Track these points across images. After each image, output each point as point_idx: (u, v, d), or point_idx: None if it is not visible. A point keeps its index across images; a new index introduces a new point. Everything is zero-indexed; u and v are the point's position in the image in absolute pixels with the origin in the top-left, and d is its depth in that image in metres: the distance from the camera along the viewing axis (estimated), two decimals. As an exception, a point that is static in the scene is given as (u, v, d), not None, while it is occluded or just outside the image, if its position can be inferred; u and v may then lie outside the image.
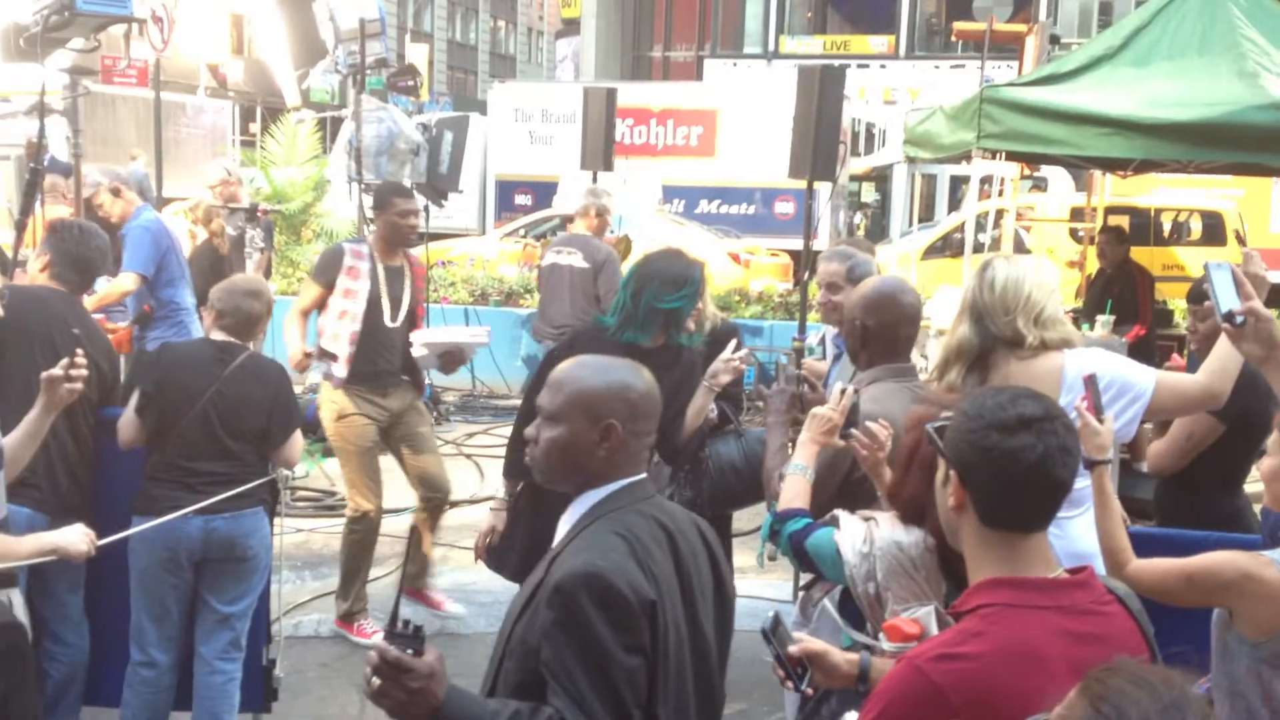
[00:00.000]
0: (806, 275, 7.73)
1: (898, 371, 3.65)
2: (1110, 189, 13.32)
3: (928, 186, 29.35)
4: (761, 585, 6.28)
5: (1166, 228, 16.40)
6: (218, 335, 4.37)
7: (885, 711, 1.93)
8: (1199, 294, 3.92)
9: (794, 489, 3.12)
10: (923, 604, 2.56)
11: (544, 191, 18.84)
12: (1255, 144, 6.59)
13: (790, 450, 3.82)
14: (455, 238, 17.81)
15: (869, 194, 29.80)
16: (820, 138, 6.86)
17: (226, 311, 4.39)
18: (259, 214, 7.31)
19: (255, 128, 31.61)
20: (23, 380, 3.94)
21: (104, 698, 4.53)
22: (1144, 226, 15.45)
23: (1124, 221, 14.49)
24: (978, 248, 17.35)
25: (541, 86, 25.43)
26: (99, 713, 4.67)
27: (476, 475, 8.71)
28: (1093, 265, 12.91)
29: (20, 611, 3.47)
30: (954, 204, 25.58)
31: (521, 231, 17.92)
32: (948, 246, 16.42)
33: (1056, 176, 19.13)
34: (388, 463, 9.02)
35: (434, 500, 6.14)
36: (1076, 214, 16.20)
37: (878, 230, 26.33)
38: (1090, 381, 2.98)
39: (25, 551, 3.35)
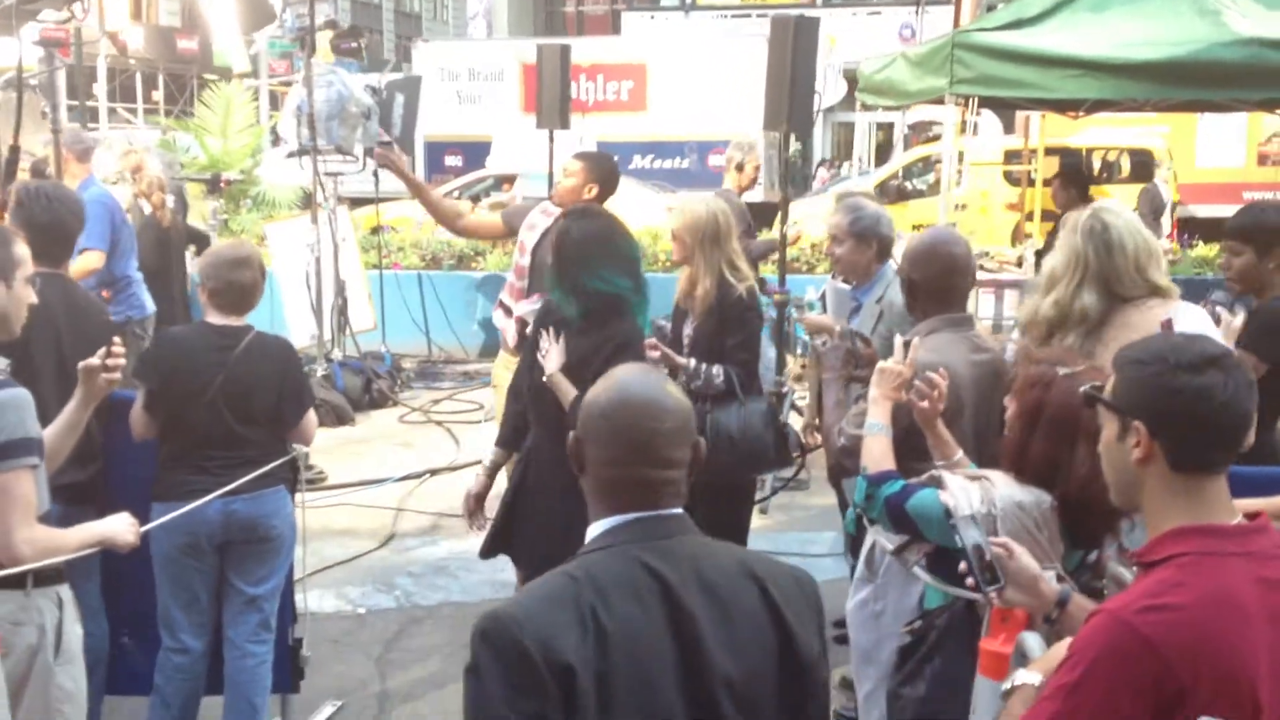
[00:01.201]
0: (785, 227, 7.74)
1: (954, 322, 3.66)
2: (1040, 131, 13.49)
3: (846, 135, 29.55)
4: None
5: (1097, 166, 16.69)
6: (215, 317, 4.21)
7: (1093, 669, 1.87)
8: (1235, 230, 3.95)
9: (879, 450, 3.10)
10: (1045, 566, 2.53)
11: (474, 152, 18.57)
12: (1224, 81, 6.70)
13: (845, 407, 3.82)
14: (386, 202, 17.52)
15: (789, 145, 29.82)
16: (795, 88, 6.81)
17: (219, 289, 4.22)
18: (221, 184, 7.08)
19: (158, 95, 30.81)
20: (54, 370, 3.81)
21: (126, 686, 4.41)
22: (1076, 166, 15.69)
23: (1054, 162, 14.75)
24: (915, 193, 17.59)
25: (467, 45, 24.99)
26: (121, 702, 4.57)
27: (451, 442, 8.60)
28: (1030, 206, 13.16)
29: (71, 607, 3.33)
30: (880, 153, 25.79)
31: (456, 193, 17.65)
32: (884, 194, 16.53)
33: (985, 120, 19.32)
34: (371, 430, 8.94)
35: None
36: (1010, 156, 16.43)
37: (800, 181, 26.41)
38: (1168, 325, 3.00)
39: (74, 543, 3.20)
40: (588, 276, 3.95)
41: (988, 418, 3.56)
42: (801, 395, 7.48)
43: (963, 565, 2.48)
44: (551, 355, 4.06)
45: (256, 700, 4.24)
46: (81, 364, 3.33)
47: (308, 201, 10.21)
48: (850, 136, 27.64)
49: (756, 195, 19.33)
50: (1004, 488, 2.74)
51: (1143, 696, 1.85)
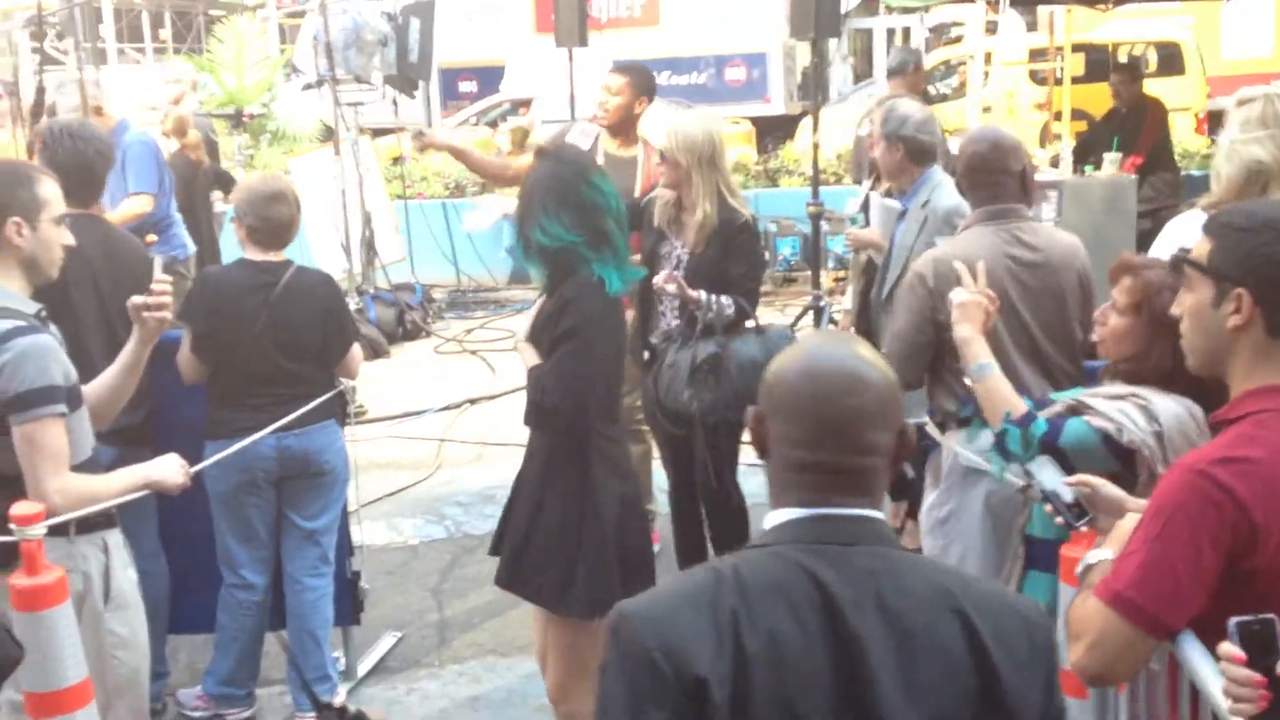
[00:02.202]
0: (816, 137, 7.62)
1: (991, 215, 3.59)
2: (1065, 27, 13.19)
3: (864, 42, 29.03)
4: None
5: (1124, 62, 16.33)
6: (254, 253, 4.16)
7: (1173, 518, 1.95)
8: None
9: (1005, 390, 2.99)
10: None
11: (488, 77, 18.36)
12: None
13: None
14: (397, 131, 17.38)
15: (804, 56, 29.41)
16: (822, -8, 6.66)
17: (256, 226, 4.16)
18: (244, 119, 6.99)
19: (165, 34, 30.52)
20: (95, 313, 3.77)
21: (188, 625, 4.44)
22: (1101, 62, 15.36)
23: (1082, 59, 14.44)
24: (939, 97, 17.29)
25: (476, -34, 24.61)
26: (183, 641, 4.61)
27: (487, 370, 8.58)
28: (1058, 105, 12.90)
29: (121, 552, 3.30)
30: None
31: (472, 120, 17.50)
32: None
33: (1007, 19, 18.95)
34: (407, 362, 8.93)
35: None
36: (1035, 55, 16.11)
37: (820, 90, 26.02)
38: None
39: (117, 488, 3.14)
40: (531, 228, 3.40)
41: (1036, 312, 3.51)
42: (838, 309, 7.41)
43: (1049, 507, 2.49)
44: (525, 320, 3.64)
45: (319, 633, 4.26)
46: (129, 302, 3.26)
47: (328, 134, 10.11)
48: (869, 44, 27.14)
49: (776, 108, 19.31)
50: (1161, 401, 2.69)
51: (1221, 540, 1.94)
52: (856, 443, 1.64)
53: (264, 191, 4.22)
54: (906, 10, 9.96)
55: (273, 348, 4.06)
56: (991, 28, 19.97)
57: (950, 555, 3.54)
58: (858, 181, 6.25)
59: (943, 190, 4.44)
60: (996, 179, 3.58)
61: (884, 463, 1.67)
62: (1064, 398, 2.96)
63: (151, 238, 5.98)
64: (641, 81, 5.33)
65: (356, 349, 4.39)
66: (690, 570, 1.68)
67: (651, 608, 1.59)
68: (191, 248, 6.58)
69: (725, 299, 4.48)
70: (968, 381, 3.19)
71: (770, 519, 1.68)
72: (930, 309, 3.46)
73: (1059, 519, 2.46)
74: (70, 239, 3.18)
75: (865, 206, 5.32)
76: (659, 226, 4.67)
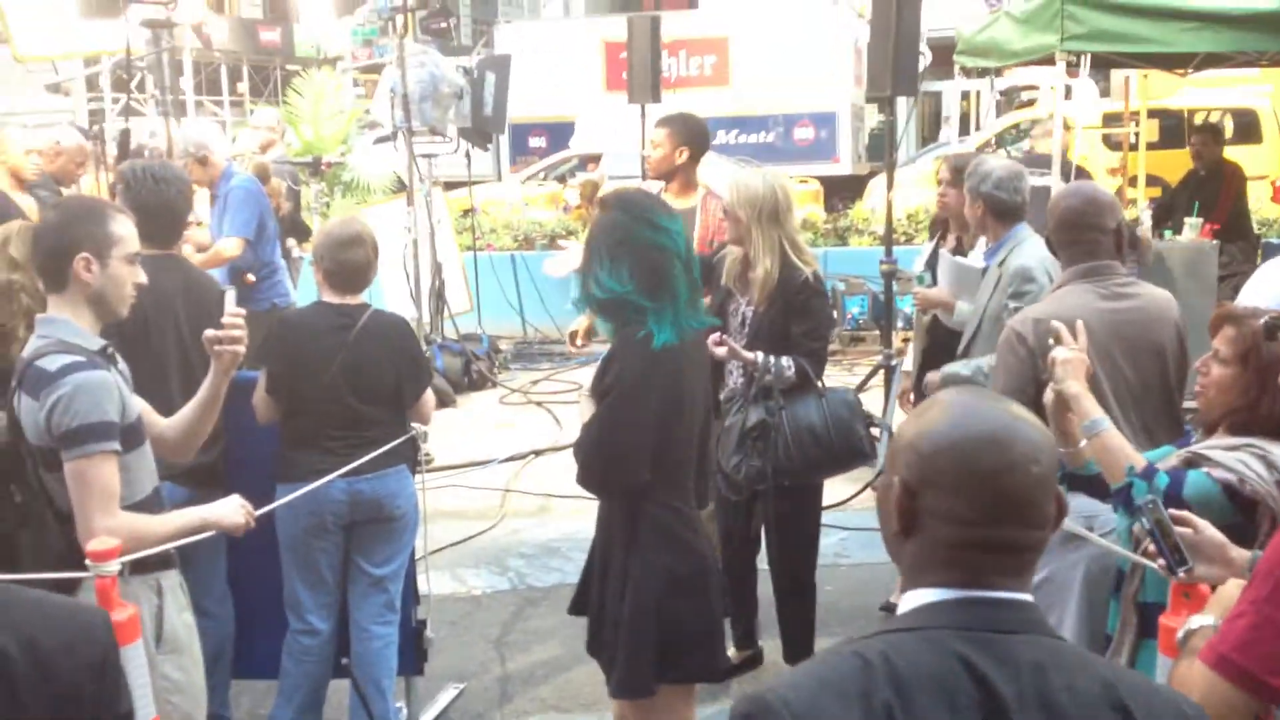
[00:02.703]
0: (890, 195, 7.55)
1: (1083, 273, 3.53)
2: (1138, 92, 13.07)
3: (932, 105, 28.99)
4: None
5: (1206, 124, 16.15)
6: (331, 296, 4.16)
7: None
8: None
9: (1122, 444, 2.92)
10: None
11: (558, 133, 18.54)
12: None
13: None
14: (469, 185, 17.52)
15: (872, 117, 29.43)
16: (900, 51, 6.62)
17: (333, 269, 4.17)
18: (323, 167, 7.08)
19: (243, 87, 31.17)
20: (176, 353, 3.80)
21: (254, 670, 4.40)
22: (1176, 129, 15.21)
23: (1156, 125, 14.29)
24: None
25: (549, 25, 24.93)
26: (245, 686, 4.57)
27: (552, 422, 8.55)
28: (1133, 170, 12.74)
29: (177, 595, 3.27)
30: (964, 121, 25.23)
31: (542, 175, 17.65)
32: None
33: (1080, 84, 18.86)
34: (472, 411, 8.92)
35: None
36: (1109, 120, 15.96)
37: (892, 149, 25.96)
38: None
39: (172, 529, 3.07)
40: (588, 279, 3.31)
41: (1135, 367, 3.46)
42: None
43: (1150, 546, 2.42)
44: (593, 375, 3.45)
45: (383, 683, 4.20)
46: (205, 335, 3.25)
47: (400, 186, 10.20)
48: (938, 107, 27.09)
49: (844, 168, 19.28)
50: (1276, 450, 2.64)
51: None
52: (1035, 516, 1.49)
53: (341, 236, 4.23)
54: (983, 71, 9.87)
55: (347, 390, 4.04)
56: (1065, 92, 19.91)
57: (1049, 618, 3.45)
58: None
59: (1023, 249, 4.36)
60: (1092, 236, 3.53)
61: (1047, 536, 1.53)
62: (1163, 453, 2.88)
63: (250, 278, 6.03)
64: (681, 131, 5.32)
65: (430, 394, 4.37)
66: (830, 653, 1.52)
67: (795, 698, 1.43)
68: (294, 296, 6.62)
69: (786, 360, 4.38)
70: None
71: (913, 598, 1.52)
72: (1032, 368, 3.42)
73: (1160, 561, 2.38)
74: (143, 278, 3.13)
75: (932, 264, 5.24)
76: (726, 284, 4.62)
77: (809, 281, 4.43)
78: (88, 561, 2.70)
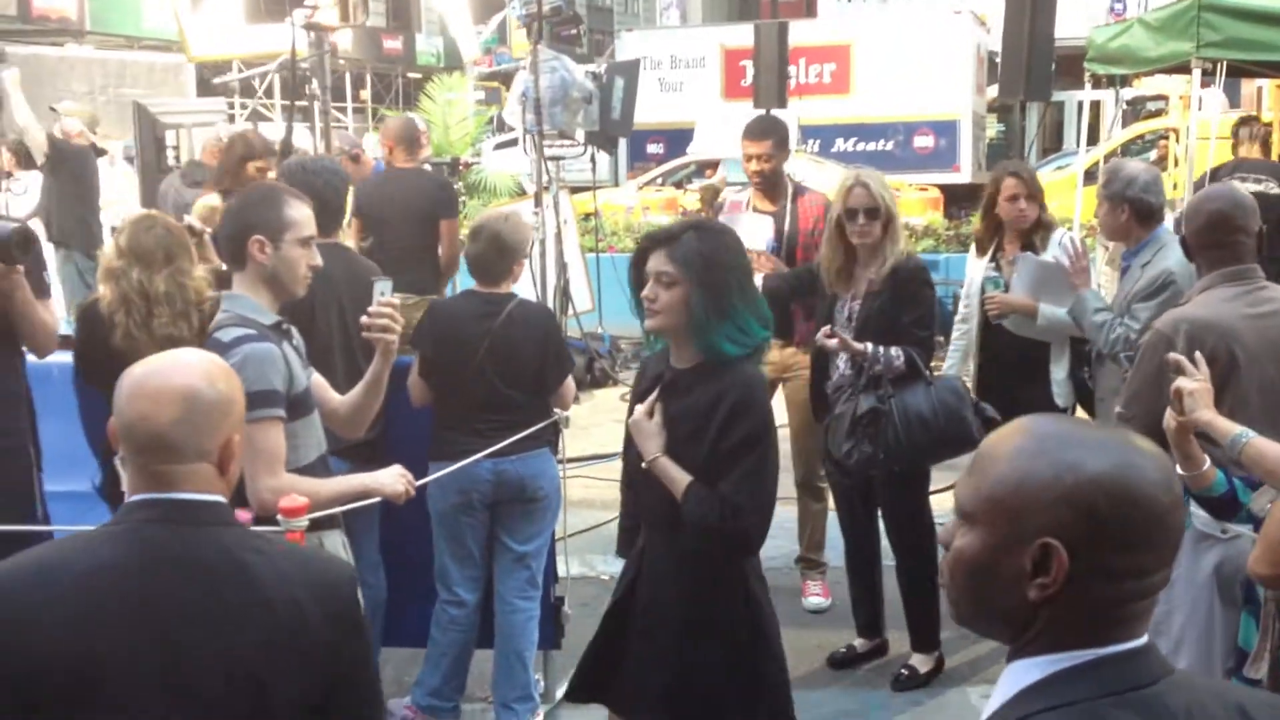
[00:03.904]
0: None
1: (1228, 276, 3.54)
2: (1273, 102, 12.82)
3: (1054, 115, 28.52)
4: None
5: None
6: (478, 286, 4.39)
7: None
8: None
9: (1270, 446, 2.91)
10: None
11: (676, 139, 18.71)
12: None
13: None
14: (588, 190, 17.80)
15: (992, 127, 29.08)
16: (1033, 56, 6.67)
17: (467, 261, 4.43)
18: (460, 167, 7.34)
19: (365, 94, 31.94)
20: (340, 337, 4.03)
21: (402, 638, 4.63)
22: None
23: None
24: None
25: (670, 33, 25.23)
26: (391, 654, 4.80)
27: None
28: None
29: (341, 554, 3.47)
30: (1092, 133, 24.82)
31: (659, 180, 17.84)
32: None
33: (1210, 95, 18.48)
34: (595, 407, 9.12)
35: None
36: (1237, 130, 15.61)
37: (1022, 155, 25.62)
38: None
39: (334, 492, 3.25)
40: (729, 317, 3.02)
41: None
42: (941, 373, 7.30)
43: None
44: (647, 433, 3.05)
45: (525, 654, 4.41)
46: (363, 320, 3.42)
47: (521, 190, 10.44)
48: (1060, 117, 26.67)
49: (964, 176, 19.14)
50: None
51: None
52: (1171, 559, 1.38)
53: (471, 230, 4.54)
54: (1109, 81, 9.74)
55: (493, 374, 4.25)
56: (1196, 102, 19.49)
57: (1172, 623, 3.48)
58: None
59: (1167, 251, 4.40)
60: (1236, 239, 3.54)
61: None
62: None
63: None
64: (783, 138, 5.50)
65: (570, 381, 4.57)
66: None
67: None
68: None
69: (895, 350, 4.51)
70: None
71: (1038, 666, 1.38)
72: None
73: None
74: (319, 260, 3.36)
75: (997, 268, 5.17)
76: (830, 290, 4.75)
77: (918, 269, 4.62)
78: (279, 517, 2.93)
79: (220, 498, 2.02)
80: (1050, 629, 1.36)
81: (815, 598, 5.57)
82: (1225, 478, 2.94)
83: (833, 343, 4.50)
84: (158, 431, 1.94)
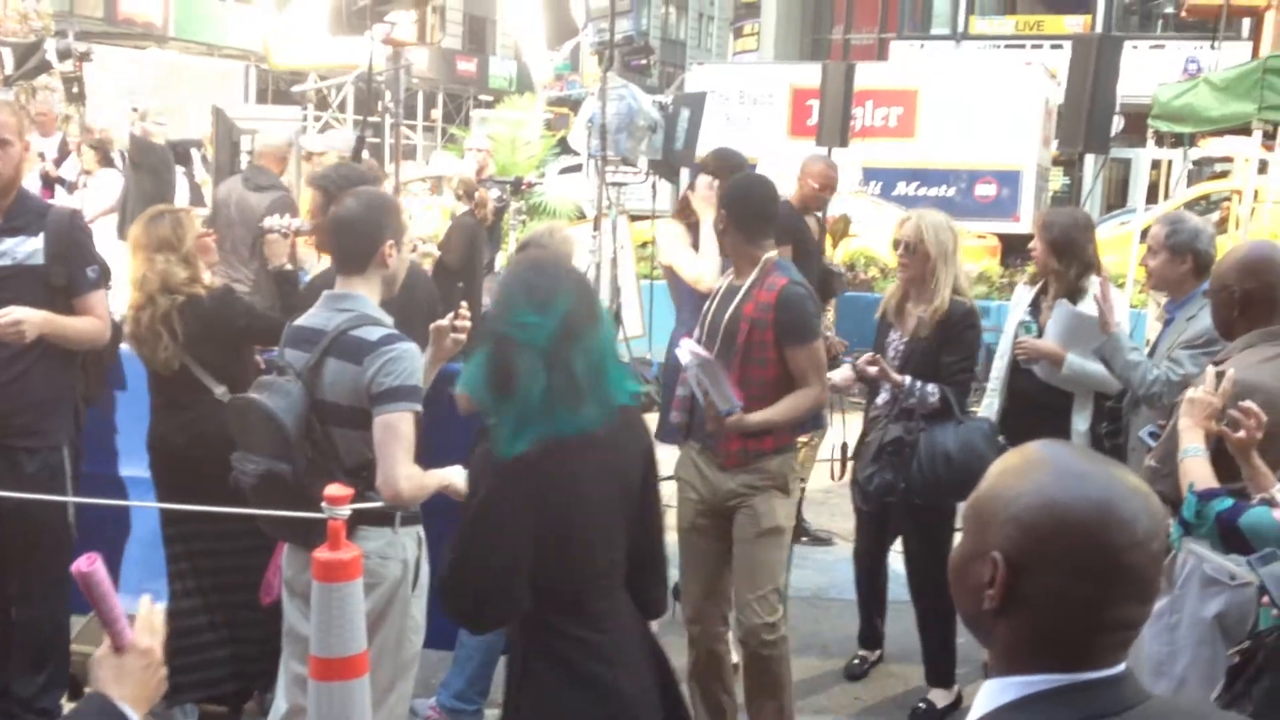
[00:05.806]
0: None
1: (1273, 335, 3.56)
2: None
3: (1120, 172, 28.38)
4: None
5: None
6: None
7: None
8: None
9: (1202, 470, 3.05)
10: None
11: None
12: None
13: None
14: (648, 218, 17.87)
15: (1057, 179, 28.98)
16: (1095, 108, 6.72)
17: None
18: (524, 186, 7.50)
19: (437, 114, 32.43)
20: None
21: (431, 640, 4.64)
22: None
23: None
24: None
25: (740, 69, 25.38)
26: (422, 655, 4.87)
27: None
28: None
29: (424, 546, 3.52)
30: (1152, 190, 24.66)
31: (720, 213, 17.95)
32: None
33: (1276, 158, 18.31)
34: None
35: None
36: (1304, 196, 15.46)
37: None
38: None
39: (433, 485, 3.37)
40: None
41: None
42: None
43: (1265, 598, 2.49)
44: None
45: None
46: (433, 325, 3.58)
47: (581, 215, 10.57)
48: (1125, 174, 26.54)
49: (1024, 226, 19.09)
50: None
51: None
52: (1152, 592, 1.41)
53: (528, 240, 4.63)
54: (1177, 140, 9.74)
55: None
56: (1261, 166, 19.33)
57: (1176, 664, 3.50)
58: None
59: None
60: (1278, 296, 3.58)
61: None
62: (1265, 495, 2.95)
63: None
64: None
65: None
66: None
67: None
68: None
69: (931, 387, 4.63)
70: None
71: (1012, 687, 1.41)
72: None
73: (1275, 611, 2.48)
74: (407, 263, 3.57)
75: (1034, 312, 5.10)
76: (882, 315, 4.92)
77: (968, 313, 4.70)
78: (323, 504, 3.05)
79: None
80: (1013, 645, 1.41)
81: None
82: None
83: (873, 370, 4.63)
84: None
